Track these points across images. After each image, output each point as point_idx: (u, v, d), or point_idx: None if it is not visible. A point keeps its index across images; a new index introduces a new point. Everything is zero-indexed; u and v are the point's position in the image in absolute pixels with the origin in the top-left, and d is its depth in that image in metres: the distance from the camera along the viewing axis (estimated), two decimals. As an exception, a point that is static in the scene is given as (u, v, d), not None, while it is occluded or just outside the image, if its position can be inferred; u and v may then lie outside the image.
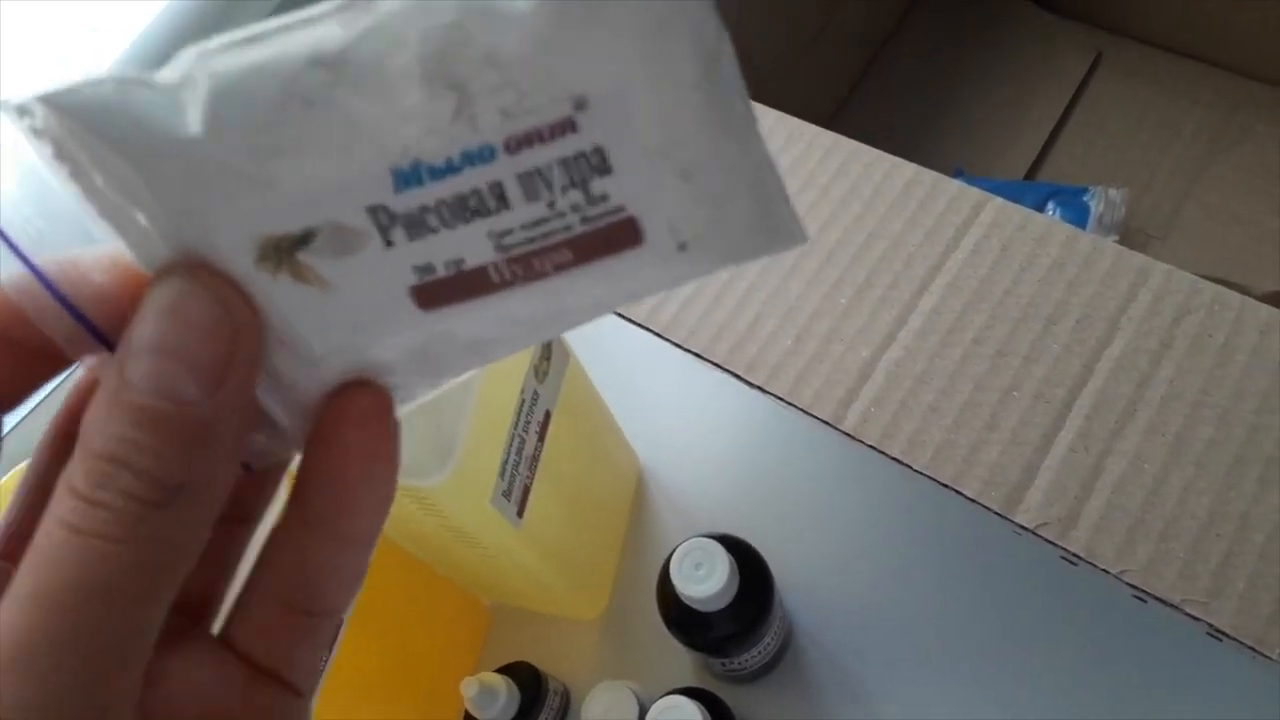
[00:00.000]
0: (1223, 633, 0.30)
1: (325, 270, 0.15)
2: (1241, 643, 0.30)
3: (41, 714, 0.13)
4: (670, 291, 0.39)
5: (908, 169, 0.41)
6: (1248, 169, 0.56)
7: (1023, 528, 0.33)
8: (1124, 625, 0.46)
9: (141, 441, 0.13)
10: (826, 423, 0.35)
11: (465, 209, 0.15)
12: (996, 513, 0.33)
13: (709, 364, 0.38)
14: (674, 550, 0.44)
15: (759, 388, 0.37)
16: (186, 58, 0.14)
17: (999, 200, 0.39)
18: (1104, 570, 0.32)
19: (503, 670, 0.50)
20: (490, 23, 0.14)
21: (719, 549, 0.43)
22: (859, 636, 0.50)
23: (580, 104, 0.15)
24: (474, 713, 0.47)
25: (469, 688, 0.46)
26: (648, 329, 0.39)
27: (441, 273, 0.15)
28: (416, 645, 0.51)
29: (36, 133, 0.14)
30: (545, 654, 0.53)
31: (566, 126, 0.15)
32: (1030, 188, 0.57)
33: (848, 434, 0.35)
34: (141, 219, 0.15)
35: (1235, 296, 0.36)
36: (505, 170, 0.15)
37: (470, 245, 0.15)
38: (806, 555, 0.51)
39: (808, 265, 0.39)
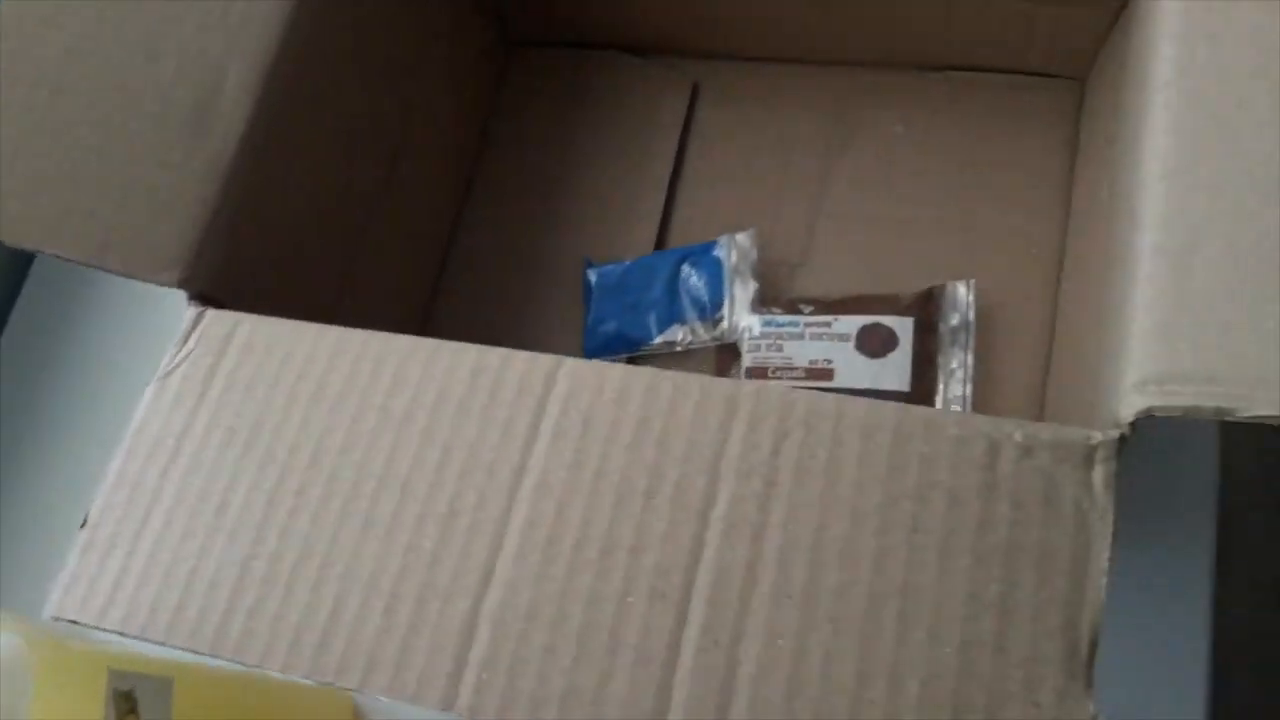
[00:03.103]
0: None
1: None
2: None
3: None
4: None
5: (468, 354, 0.36)
6: (867, 166, 0.54)
7: (678, 759, 0.29)
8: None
9: None
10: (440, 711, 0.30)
11: None
12: (645, 753, 0.29)
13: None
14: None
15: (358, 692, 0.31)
16: None
17: (570, 362, 0.35)
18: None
19: None
20: None
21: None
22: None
23: None
24: None
25: None
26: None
27: None
28: None
29: None
30: None
31: None
32: (661, 259, 0.53)
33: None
34: None
35: (829, 401, 0.32)
36: None
37: None
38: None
39: (380, 512, 0.34)
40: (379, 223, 0.52)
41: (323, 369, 0.37)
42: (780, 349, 0.50)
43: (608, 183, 0.57)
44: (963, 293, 0.48)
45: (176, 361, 0.38)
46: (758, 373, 0.50)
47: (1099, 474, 0.30)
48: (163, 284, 0.39)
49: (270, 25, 0.42)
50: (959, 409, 0.47)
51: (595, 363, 0.35)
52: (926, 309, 0.48)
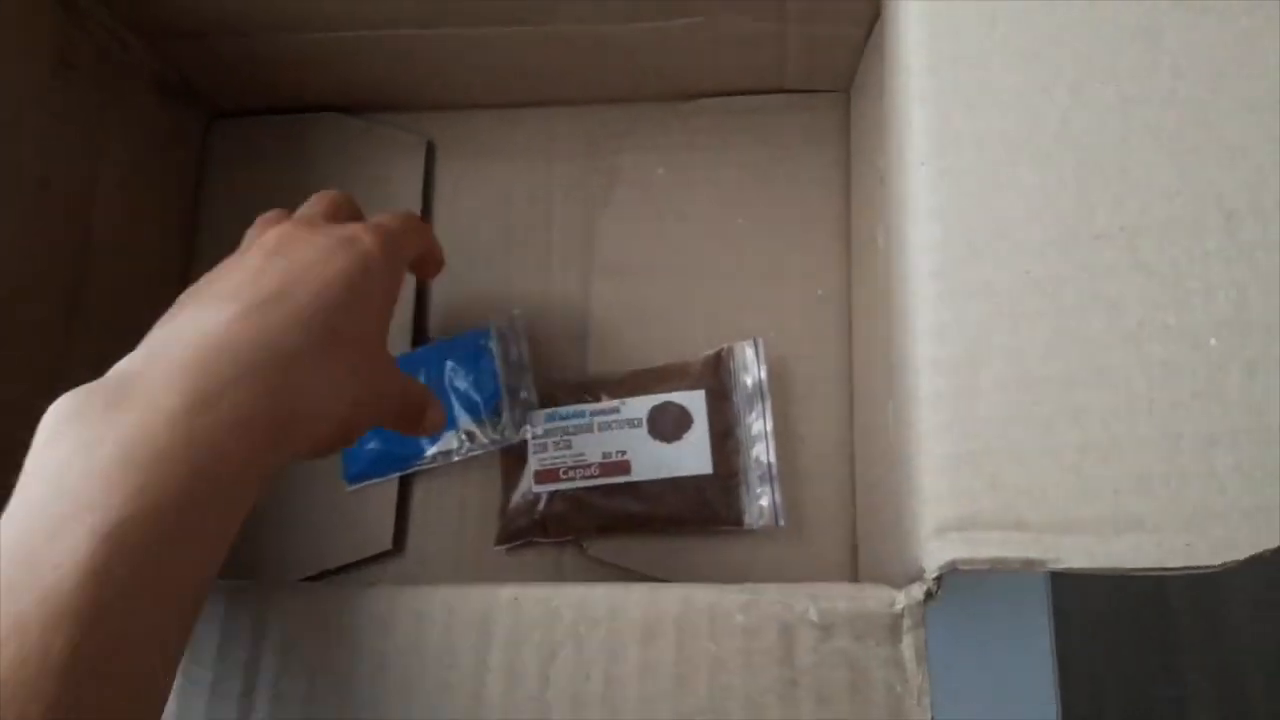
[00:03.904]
0: None
1: None
2: None
3: None
4: None
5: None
6: (634, 214, 0.49)
7: None
8: None
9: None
10: None
11: None
12: None
13: None
14: None
15: None
16: None
17: (279, 592, 0.29)
18: None
19: None
20: None
21: None
22: None
23: None
24: None
25: None
26: None
27: None
28: None
29: None
30: None
31: None
32: (422, 358, 0.47)
33: None
34: None
35: (600, 596, 0.27)
36: None
37: None
38: None
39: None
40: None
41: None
42: (569, 445, 0.44)
43: (349, 270, 0.49)
44: (751, 354, 0.44)
45: None
46: (548, 476, 0.44)
47: (908, 645, 0.26)
48: None
49: None
50: (765, 484, 0.43)
51: (306, 587, 0.29)
52: (717, 376, 0.44)
